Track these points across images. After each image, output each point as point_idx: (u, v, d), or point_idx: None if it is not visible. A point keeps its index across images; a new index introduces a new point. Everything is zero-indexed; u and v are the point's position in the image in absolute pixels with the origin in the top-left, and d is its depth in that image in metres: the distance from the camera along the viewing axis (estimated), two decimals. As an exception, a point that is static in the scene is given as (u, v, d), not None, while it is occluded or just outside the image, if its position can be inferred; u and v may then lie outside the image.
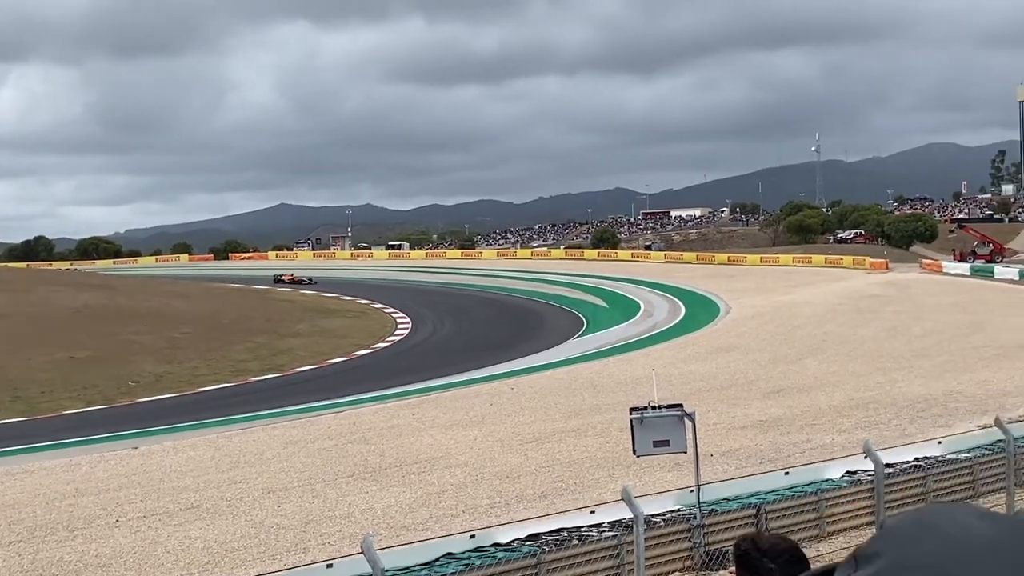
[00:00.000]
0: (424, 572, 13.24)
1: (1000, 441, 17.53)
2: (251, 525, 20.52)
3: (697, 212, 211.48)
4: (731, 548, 4.33)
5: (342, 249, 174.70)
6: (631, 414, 14.87)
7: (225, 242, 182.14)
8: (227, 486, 24.81)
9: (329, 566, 13.48)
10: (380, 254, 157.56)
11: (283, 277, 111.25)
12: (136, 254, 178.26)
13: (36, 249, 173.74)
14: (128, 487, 25.71)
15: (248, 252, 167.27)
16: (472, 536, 14.69)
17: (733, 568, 4.10)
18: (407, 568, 13.34)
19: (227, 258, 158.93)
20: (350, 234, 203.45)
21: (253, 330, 74.44)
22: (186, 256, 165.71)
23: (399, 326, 77.49)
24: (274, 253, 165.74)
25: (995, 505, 16.67)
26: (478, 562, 13.66)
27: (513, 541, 14.61)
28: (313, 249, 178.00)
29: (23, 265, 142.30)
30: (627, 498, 12.18)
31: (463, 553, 14.00)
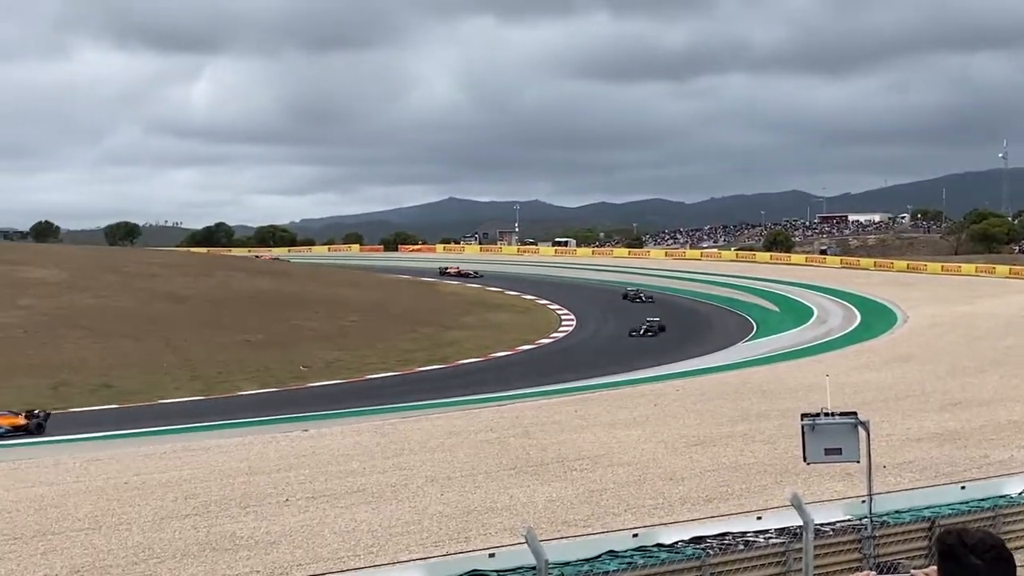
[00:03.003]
0: (585, 568, 13.18)
1: None
2: (414, 512, 20.77)
3: (876, 217, 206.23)
4: (903, 560, 4.19)
5: (509, 244, 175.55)
6: (803, 420, 14.57)
7: (395, 234, 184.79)
8: (392, 472, 25.18)
9: (491, 555, 13.55)
10: (546, 250, 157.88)
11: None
12: (310, 243, 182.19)
13: (216, 235, 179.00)
14: (298, 468, 26.31)
15: (417, 244, 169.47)
16: (635, 535, 14.59)
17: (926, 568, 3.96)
18: (568, 562, 13.30)
19: (396, 249, 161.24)
20: (517, 229, 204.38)
21: (420, 321, 75.47)
22: (357, 246, 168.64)
23: (563, 323, 77.64)
24: (442, 246, 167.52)
25: None
26: (640, 561, 13.54)
27: (677, 542, 14.46)
28: (480, 243, 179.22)
29: (203, 250, 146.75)
30: (797, 504, 11.93)
31: (625, 551, 13.91)
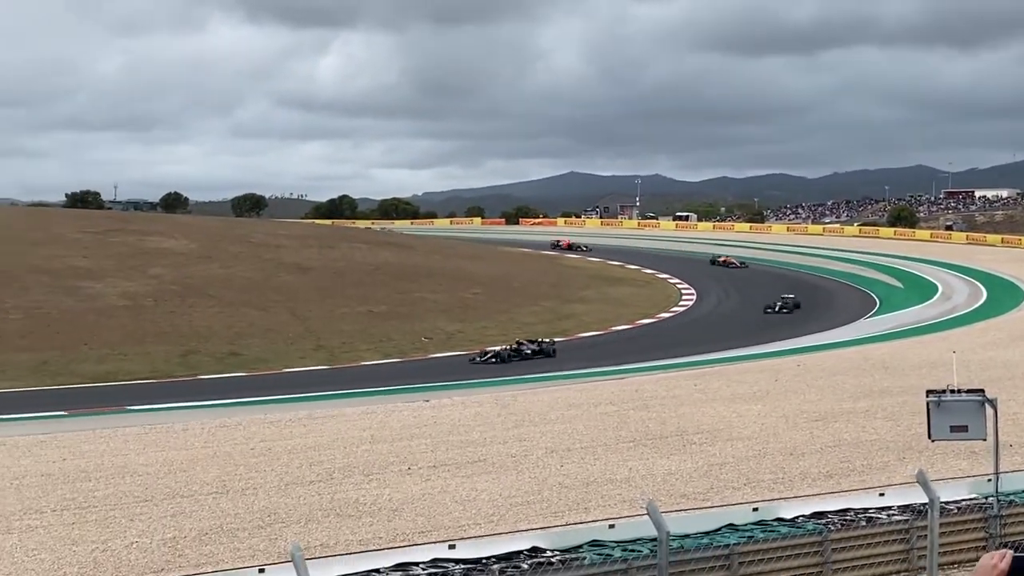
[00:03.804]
0: (705, 540, 13.24)
1: None
2: (534, 482, 20.96)
3: (1004, 193, 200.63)
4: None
5: (629, 218, 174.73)
6: (928, 397, 14.40)
7: (516, 207, 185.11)
8: (512, 443, 25.41)
9: (611, 526, 13.68)
10: (667, 224, 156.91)
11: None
12: (432, 216, 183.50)
13: (340, 207, 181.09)
14: (419, 437, 26.69)
15: (538, 218, 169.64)
16: (755, 509, 14.61)
17: None
18: (687, 534, 13.36)
19: (517, 223, 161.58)
20: (638, 203, 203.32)
21: (540, 294, 75.68)
22: (479, 219, 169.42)
23: (683, 297, 77.22)
24: (563, 220, 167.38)
25: None
26: (760, 535, 13.56)
27: (797, 517, 14.44)
28: (600, 217, 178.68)
29: (328, 222, 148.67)
30: (922, 481, 11.82)
31: (745, 525, 13.93)
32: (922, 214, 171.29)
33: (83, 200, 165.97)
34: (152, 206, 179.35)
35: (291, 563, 9.06)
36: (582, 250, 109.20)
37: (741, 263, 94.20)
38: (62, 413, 37.56)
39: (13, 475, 23.34)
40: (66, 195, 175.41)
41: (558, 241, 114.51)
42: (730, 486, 20.27)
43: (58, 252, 74.66)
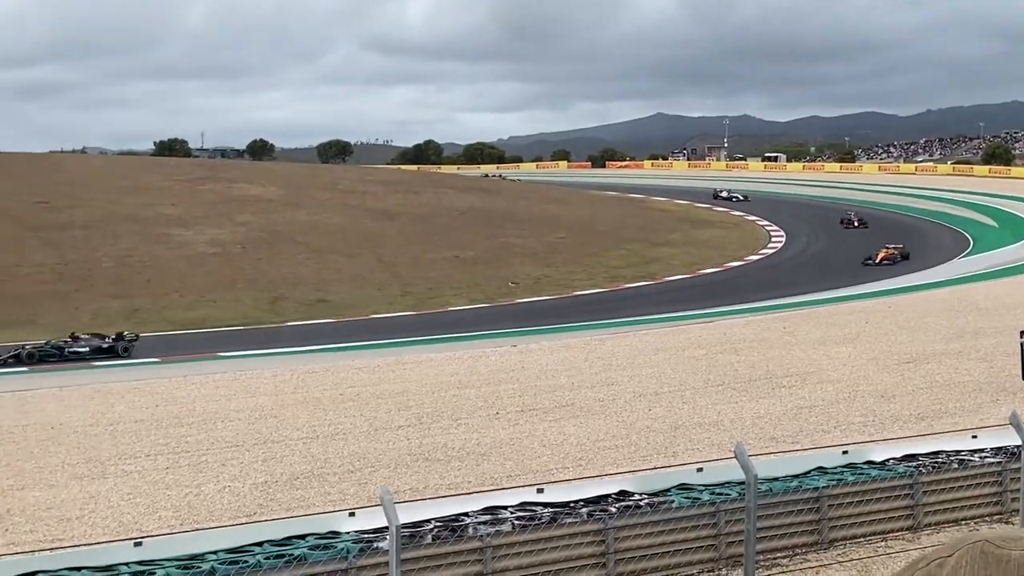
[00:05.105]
0: (795, 483, 13.12)
1: None
2: (622, 426, 20.95)
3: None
4: None
5: (717, 160, 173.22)
6: (1022, 337, 14.12)
7: (602, 150, 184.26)
8: (600, 387, 25.40)
9: (699, 470, 13.61)
10: (755, 166, 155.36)
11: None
12: (518, 160, 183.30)
13: (426, 153, 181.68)
14: (507, 382, 26.78)
15: (624, 161, 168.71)
16: (845, 452, 14.44)
17: None
18: (776, 478, 13.25)
19: (604, 166, 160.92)
20: (726, 145, 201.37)
21: (627, 238, 75.44)
22: (565, 163, 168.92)
23: (772, 239, 76.53)
24: (649, 162, 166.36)
25: None
26: (851, 478, 13.40)
27: (888, 460, 14.25)
28: (688, 159, 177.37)
29: (414, 167, 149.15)
30: (1016, 423, 11.60)
31: (835, 468, 13.78)
32: (1018, 151, 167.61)
33: (171, 148, 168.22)
34: (239, 153, 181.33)
35: (380, 507, 9.14)
36: (737, 200, 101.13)
37: (860, 221, 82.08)
38: (154, 360, 38.26)
39: (108, 421, 23.85)
40: (154, 143, 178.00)
41: (719, 191, 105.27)
42: (819, 429, 20.09)
43: (147, 200, 75.87)
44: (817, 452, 15.13)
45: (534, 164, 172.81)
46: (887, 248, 64.27)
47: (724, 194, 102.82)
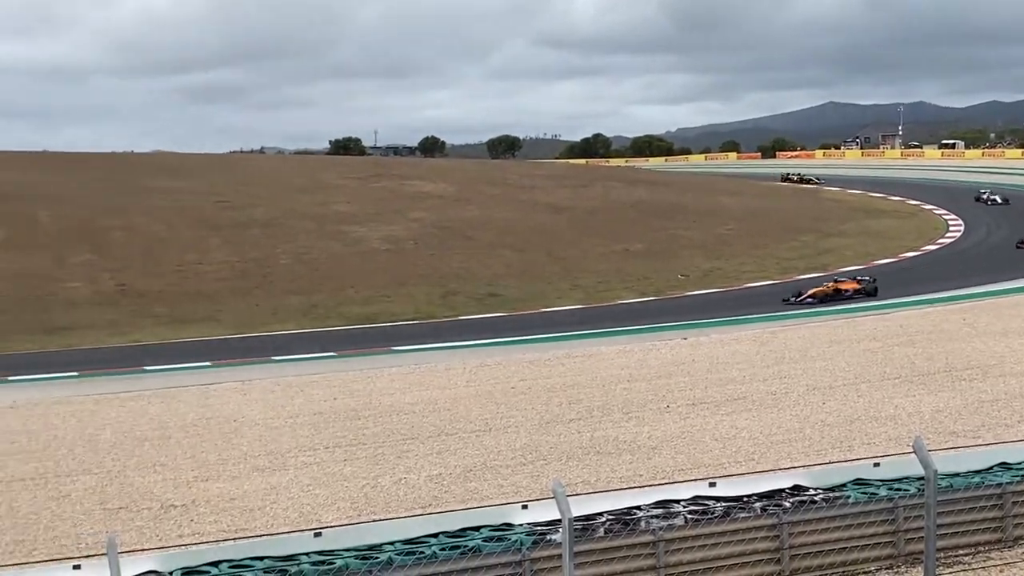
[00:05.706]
0: (976, 479, 12.77)
1: None
2: (796, 420, 20.66)
3: None
4: None
5: (891, 148, 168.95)
6: None
7: (772, 140, 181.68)
8: (772, 380, 25.08)
9: (876, 464, 13.37)
10: (932, 153, 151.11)
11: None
12: (687, 152, 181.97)
13: (594, 146, 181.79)
14: (677, 375, 26.65)
15: (795, 150, 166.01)
16: (1029, 446, 14.01)
17: None
18: (957, 473, 12.92)
19: (774, 157, 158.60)
20: (900, 132, 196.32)
21: (799, 229, 74.26)
22: (734, 154, 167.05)
23: (951, 228, 74.42)
24: (821, 152, 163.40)
25: None
26: (1037, 474, 12.99)
27: (1076, 455, 13.77)
28: (861, 148, 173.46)
29: (582, 162, 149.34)
30: None
31: (1019, 463, 13.37)
32: None
33: (345, 147, 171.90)
34: (411, 151, 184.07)
35: (553, 499, 9.21)
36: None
37: (1004, 199, 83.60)
38: (332, 354, 39.11)
39: (288, 414, 24.51)
40: (329, 142, 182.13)
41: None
42: (1002, 423, 19.49)
43: (323, 198, 77.66)
44: (1000, 447, 14.72)
45: (703, 156, 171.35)
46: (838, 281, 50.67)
47: (984, 196, 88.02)
